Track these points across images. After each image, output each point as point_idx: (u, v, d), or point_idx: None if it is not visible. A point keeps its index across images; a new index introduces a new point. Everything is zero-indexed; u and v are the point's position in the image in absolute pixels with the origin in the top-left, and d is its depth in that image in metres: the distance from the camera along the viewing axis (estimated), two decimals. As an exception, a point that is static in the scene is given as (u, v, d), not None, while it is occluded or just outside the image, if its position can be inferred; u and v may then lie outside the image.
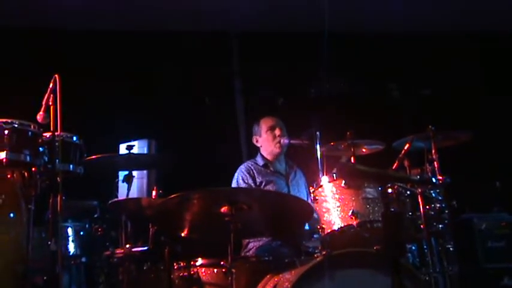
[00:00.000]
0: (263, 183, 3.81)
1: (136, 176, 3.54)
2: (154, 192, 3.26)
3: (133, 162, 3.44)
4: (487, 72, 5.53)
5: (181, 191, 2.62)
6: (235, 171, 3.94)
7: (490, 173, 4.98)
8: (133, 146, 3.43)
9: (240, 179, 3.82)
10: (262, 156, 3.98)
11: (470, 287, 3.92)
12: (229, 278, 2.62)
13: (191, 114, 5.09)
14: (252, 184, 3.80)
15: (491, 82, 5.52)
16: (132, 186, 3.44)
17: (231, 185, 3.86)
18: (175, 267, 2.97)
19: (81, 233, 3.83)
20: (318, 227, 2.95)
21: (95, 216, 3.84)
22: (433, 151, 3.51)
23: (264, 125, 3.99)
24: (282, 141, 3.86)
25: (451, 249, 3.33)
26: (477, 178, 4.89)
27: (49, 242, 2.69)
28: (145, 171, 4.00)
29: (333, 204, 2.91)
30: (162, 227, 3.03)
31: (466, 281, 3.80)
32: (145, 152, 3.99)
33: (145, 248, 3.18)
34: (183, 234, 2.94)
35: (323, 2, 4.19)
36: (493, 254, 4.22)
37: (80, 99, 4.46)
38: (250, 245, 3.70)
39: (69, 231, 3.78)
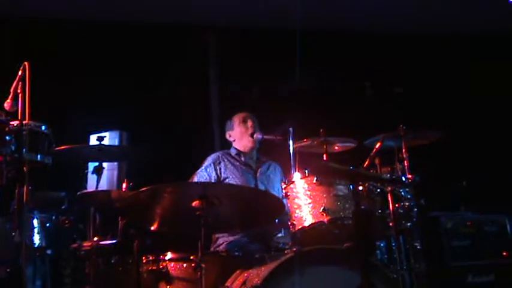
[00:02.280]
0: (228, 174, 3.82)
1: (106, 168, 3.48)
2: (124, 185, 3.21)
3: (103, 153, 3.38)
4: (458, 73, 5.63)
5: (153, 183, 2.59)
6: (207, 165, 3.93)
7: (457, 173, 5.08)
8: (104, 137, 3.37)
9: (204, 166, 3.85)
10: (234, 148, 4.00)
11: (436, 285, 4.00)
12: (199, 273, 2.61)
13: (164, 107, 5.03)
14: (214, 174, 3.80)
15: (461, 82, 5.62)
16: (102, 178, 3.38)
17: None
18: (144, 261, 2.94)
19: (48, 224, 3.74)
20: (289, 223, 2.96)
21: (63, 207, 3.76)
22: (404, 150, 3.56)
23: (236, 119, 4.02)
24: (255, 135, 3.87)
25: (418, 247, 3.38)
26: (445, 177, 4.98)
27: (13, 234, 2.62)
28: (115, 163, 3.94)
29: (304, 201, 2.91)
30: (131, 220, 2.99)
31: (432, 279, 3.88)
32: (117, 143, 3.93)
33: (114, 241, 3.14)
34: (153, 228, 2.92)
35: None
36: (458, 252, 4.30)
37: (50, 88, 4.36)
38: (220, 240, 3.69)
39: (35, 222, 3.68)
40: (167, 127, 4.97)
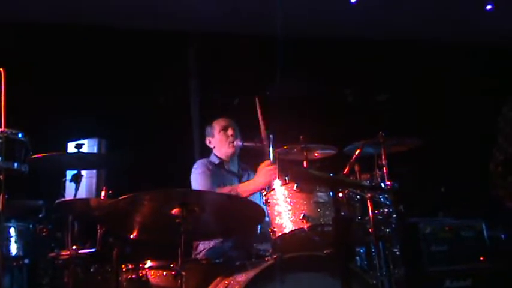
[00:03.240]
0: (216, 183, 3.79)
1: (85, 176, 3.44)
2: (103, 193, 3.19)
3: (82, 161, 3.34)
4: (437, 81, 5.71)
5: (132, 191, 2.57)
6: (187, 172, 3.90)
7: (436, 179, 5.15)
8: (83, 144, 3.33)
9: (203, 173, 3.78)
10: (215, 156, 3.98)
11: (414, 290, 4.04)
12: (179, 281, 2.59)
13: (144, 114, 5.00)
14: (212, 177, 3.77)
15: (441, 91, 5.71)
16: (81, 186, 3.34)
17: (184, 186, 3.82)
18: (124, 269, 2.92)
19: (25, 233, 3.69)
20: (269, 230, 2.96)
21: (40, 216, 3.72)
22: (383, 157, 3.60)
23: (216, 125, 3.99)
24: (235, 142, 3.87)
25: (397, 252, 3.41)
26: (424, 183, 5.05)
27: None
28: (94, 171, 3.89)
29: (284, 208, 2.92)
30: (111, 228, 2.96)
31: (411, 284, 3.90)
32: (95, 151, 3.89)
33: (93, 249, 3.10)
34: (132, 236, 2.89)
35: (278, 5, 4.23)
36: (437, 258, 4.35)
37: (27, 95, 4.31)
38: (201, 247, 3.67)
39: (12, 231, 3.63)
40: (146, 135, 4.94)
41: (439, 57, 5.78)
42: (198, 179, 3.78)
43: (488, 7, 5.60)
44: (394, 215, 3.24)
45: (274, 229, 2.92)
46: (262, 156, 3.52)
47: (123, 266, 2.92)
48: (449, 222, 4.59)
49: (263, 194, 3.08)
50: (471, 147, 5.37)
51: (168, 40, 5.31)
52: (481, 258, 4.37)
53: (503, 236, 4.63)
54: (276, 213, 2.94)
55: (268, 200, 2.99)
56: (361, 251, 3.37)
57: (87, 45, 5.07)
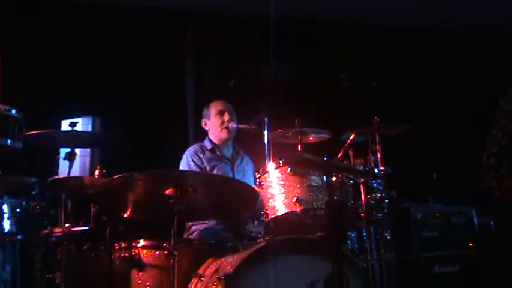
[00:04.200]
0: (208, 168, 3.80)
1: (79, 154, 3.43)
2: (97, 171, 3.19)
3: (76, 139, 3.33)
4: (431, 67, 5.71)
5: (126, 171, 2.57)
6: (181, 153, 3.91)
7: (428, 165, 5.18)
8: (77, 122, 3.32)
9: (191, 161, 3.80)
10: (210, 140, 3.97)
11: (404, 274, 4.09)
12: (171, 261, 2.62)
13: (139, 93, 4.97)
14: (202, 167, 3.79)
15: (433, 77, 5.71)
16: (74, 164, 3.34)
17: (177, 166, 3.83)
18: (117, 248, 2.93)
19: (18, 210, 3.68)
20: (262, 212, 2.98)
21: (33, 193, 3.70)
22: (377, 142, 3.62)
23: (213, 108, 3.97)
24: (230, 125, 3.85)
25: (388, 237, 3.45)
26: (416, 169, 5.07)
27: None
28: (88, 150, 3.89)
29: (277, 191, 2.93)
30: (104, 207, 2.97)
31: (401, 268, 3.96)
32: (89, 129, 3.87)
33: (86, 227, 3.11)
34: (125, 215, 2.90)
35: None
36: (427, 243, 4.39)
37: (21, 72, 4.27)
38: (194, 228, 3.69)
39: (5, 207, 3.62)
40: (141, 114, 4.91)
41: (435, 43, 5.77)
42: (181, 168, 3.79)
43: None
44: (386, 200, 3.28)
45: (267, 211, 2.93)
46: (257, 139, 3.52)
47: (116, 244, 2.94)
48: (440, 208, 4.63)
49: (257, 176, 3.10)
50: (464, 134, 5.40)
51: (164, 19, 5.25)
52: (470, 245, 4.42)
53: (492, 223, 4.68)
54: (269, 196, 2.96)
55: (262, 183, 3.01)
56: (353, 234, 3.41)
57: (83, 22, 5.00)
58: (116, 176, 2.58)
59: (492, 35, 5.86)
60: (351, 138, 3.29)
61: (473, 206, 4.63)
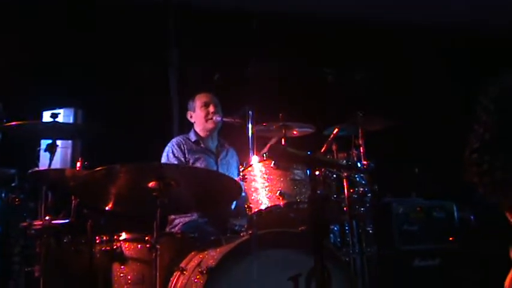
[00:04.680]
0: (191, 160, 3.78)
1: (60, 146, 3.38)
2: (79, 164, 3.15)
3: (57, 131, 3.28)
4: (415, 62, 5.75)
5: (108, 163, 2.54)
6: (165, 145, 3.88)
7: (410, 160, 5.23)
8: (59, 114, 3.26)
9: (170, 152, 3.78)
10: (195, 132, 3.96)
11: (385, 268, 4.13)
12: (154, 254, 2.59)
13: (122, 85, 4.92)
14: (183, 159, 3.77)
15: (419, 72, 5.75)
16: (55, 156, 3.28)
17: (160, 158, 3.81)
18: (98, 241, 2.91)
19: (-3, 201, 3.64)
20: (246, 205, 2.97)
21: (13, 185, 3.65)
22: (360, 136, 3.63)
23: (198, 101, 3.96)
24: (214, 118, 3.84)
25: (370, 231, 3.48)
26: (399, 164, 5.12)
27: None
28: (70, 141, 3.83)
29: (261, 184, 2.93)
30: (85, 199, 2.93)
31: (382, 262, 4.00)
32: (71, 121, 3.82)
33: (67, 220, 3.07)
34: (107, 208, 2.87)
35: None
36: (407, 237, 4.45)
37: (2, 62, 4.19)
38: (177, 221, 3.68)
39: (-17, 199, 3.57)
40: (125, 106, 4.86)
41: (417, 39, 5.81)
42: (162, 160, 3.77)
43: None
44: (369, 195, 3.29)
45: (251, 205, 2.93)
46: (241, 132, 3.51)
47: (97, 237, 2.91)
48: (421, 202, 4.68)
49: (240, 170, 3.09)
50: (445, 129, 5.45)
51: (147, 10, 5.19)
52: (450, 239, 4.48)
53: (472, 217, 4.74)
54: (252, 190, 2.95)
55: (246, 176, 3.00)
56: (335, 228, 3.43)
57: (66, 13, 4.92)
58: (98, 169, 2.55)
59: (474, 34, 5.92)
60: (334, 132, 3.29)
61: (454, 201, 4.69)
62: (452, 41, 5.87)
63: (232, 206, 3.44)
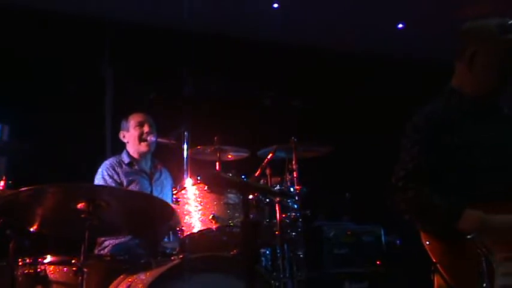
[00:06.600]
0: (125, 183, 3.70)
1: (-17, 163, 3.23)
2: (2, 182, 3.00)
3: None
4: (350, 90, 5.95)
5: (35, 183, 2.45)
6: (97, 166, 3.78)
7: (342, 185, 5.38)
8: (-17, 129, 3.13)
9: (106, 175, 3.67)
10: (128, 153, 3.87)
11: (315, 291, 4.20)
12: (80, 278, 2.50)
13: (54, 102, 4.76)
14: (118, 180, 3.68)
15: (350, 100, 5.96)
16: (-22, 173, 3.13)
17: (93, 180, 3.70)
18: (20, 264, 2.77)
19: None
20: (178, 228, 2.95)
21: None
22: (294, 161, 3.71)
23: (132, 120, 3.88)
24: (149, 138, 3.78)
25: (301, 255, 3.53)
26: (331, 189, 5.25)
27: None
28: (-7, 158, 3.67)
29: (194, 207, 2.92)
30: (9, 219, 2.79)
31: (312, 285, 4.06)
32: (-4, 137, 3.66)
33: (-13, 242, 2.91)
34: (32, 229, 2.75)
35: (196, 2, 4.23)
36: (338, 260, 4.56)
37: None
38: (106, 243, 3.57)
39: None
40: (55, 124, 4.70)
41: (352, 66, 6.03)
42: (95, 182, 3.68)
43: (400, 26, 5.96)
44: (301, 219, 3.36)
45: (183, 228, 2.91)
46: (176, 154, 3.48)
47: (19, 260, 2.78)
48: (351, 226, 4.83)
49: (174, 192, 3.06)
50: (375, 156, 5.66)
51: (82, 26, 5.09)
52: (378, 262, 4.64)
53: (398, 241, 4.93)
54: (185, 212, 2.94)
55: (179, 199, 2.98)
56: (267, 252, 3.45)
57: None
58: (24, 189, 2.45)
59: (404, 62, 6.24)
60: (268, 157, 3.35)
61: (381, 225, 4.86)
62: (386, 69, 6.13)
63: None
